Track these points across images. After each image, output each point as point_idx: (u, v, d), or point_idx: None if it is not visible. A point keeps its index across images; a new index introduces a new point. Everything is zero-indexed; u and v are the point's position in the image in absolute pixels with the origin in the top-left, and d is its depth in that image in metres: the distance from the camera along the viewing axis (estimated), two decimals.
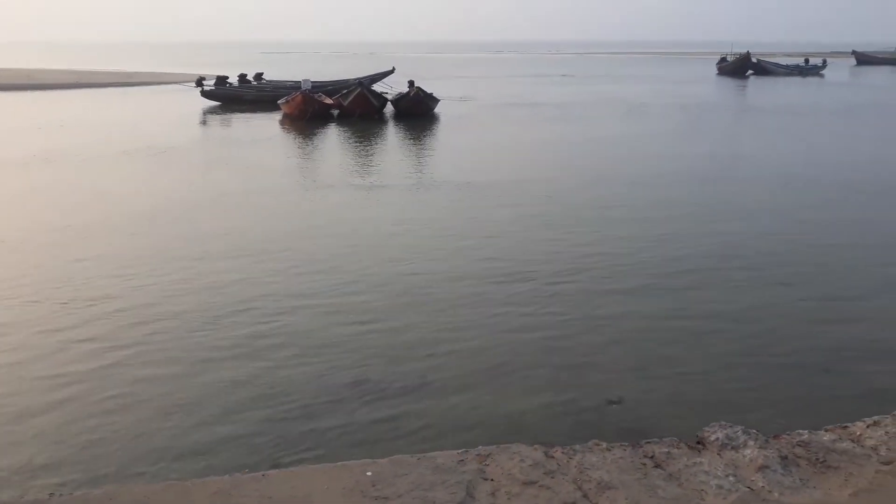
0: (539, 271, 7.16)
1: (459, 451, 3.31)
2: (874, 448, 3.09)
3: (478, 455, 3.24)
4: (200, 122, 21.18)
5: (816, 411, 4.33)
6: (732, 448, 3.07)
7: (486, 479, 3.05)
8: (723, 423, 3.24)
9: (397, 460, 3.27)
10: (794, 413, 4.35)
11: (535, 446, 3.29)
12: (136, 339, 5.59)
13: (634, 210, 9.84)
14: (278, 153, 15.24)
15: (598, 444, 3.25)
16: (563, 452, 3.23)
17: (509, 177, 12.17)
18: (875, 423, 3.26)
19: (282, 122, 20.48)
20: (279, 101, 22.19)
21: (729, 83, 40.40)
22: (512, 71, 54.66)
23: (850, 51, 73.80)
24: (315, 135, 18.08)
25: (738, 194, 10.91)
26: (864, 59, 67.86)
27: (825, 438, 3.16)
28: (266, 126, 19.84)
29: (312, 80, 25.35)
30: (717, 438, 3.12)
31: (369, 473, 3.14)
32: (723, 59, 51.87)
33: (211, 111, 23.63)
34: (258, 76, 27.46)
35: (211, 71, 30.53)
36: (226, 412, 4.52)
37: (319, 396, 4.71)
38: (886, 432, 3.19)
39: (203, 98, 25.30)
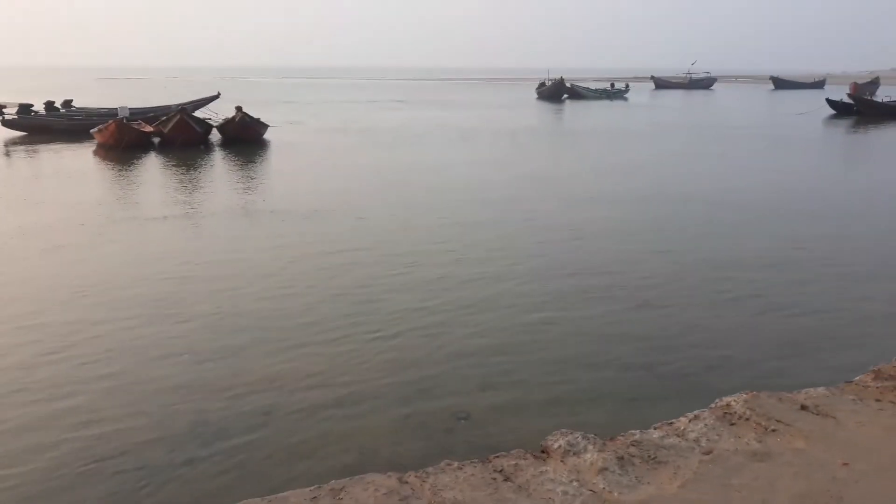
0: (368, 294, 7.20)
1: (311, 487, 3.22)
2: (696, 440, 3.39)
3: (331, 489, 3.17)
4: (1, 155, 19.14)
5: (647, 408, 4.69)
6: (574, 454, 3.23)
7: None
8: (564, 430, 3.40)
9: None
10: (628, 412, 4.69)
11: (389, 473, 3.27)
12: None
13: (460, 228, 10.21)
14: (85, 186, 14.01)
15: (449, 464, 3.29)
16: (416, 476, 3.24)
17: (334, 205, 11.92)
18: (696, 417, 3.57)
19: (96, 153, 19.04)
20: (92, 130, 20.66)
21: (548, 107, 42.97)
22: (345, 96, 54.63)
23: (650, 76, 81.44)
24: (131, 165, 16.94)
25: (561, 211, 11.58)
26: (661, 84, 75.33)
27: (654, 436, 3.41)
28: (77, 157, 18.35)
29: (131, 106, 23.87)
30: (560, 446, 3.27)
31: None
32: (541, 85, 55.05)
33: (14, 142, 21.48)
34: (67, 103, 25.41)
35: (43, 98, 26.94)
36: (49, 471, 4.08)
37: (155, 444, 4.39)
38: (706, 424, 3.50)
39: (5, 128, 22.97)
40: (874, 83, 61.37)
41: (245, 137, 21.17)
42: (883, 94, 38.14)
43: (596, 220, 10.99)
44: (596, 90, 54.24)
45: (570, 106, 44.40)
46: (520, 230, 10.24)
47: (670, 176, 15.76)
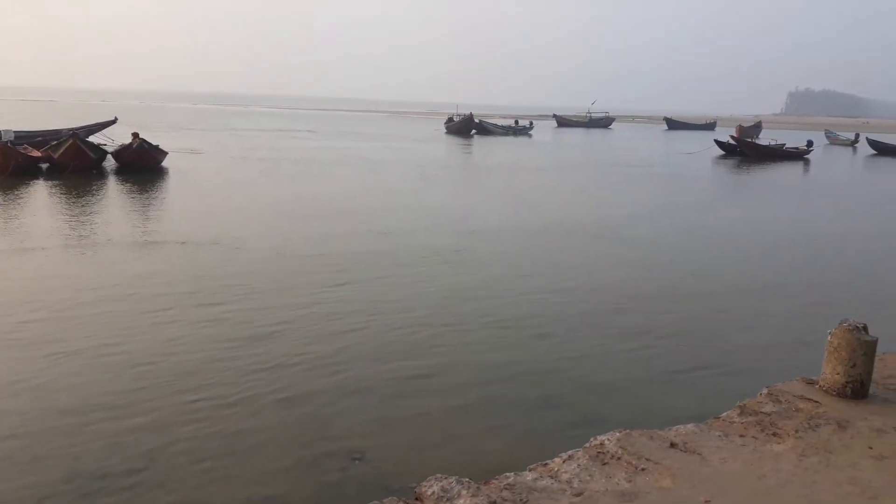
0: (257, 331, 7.04)
1: None
2: (569, 481, 3.44)
3: None
4: None
5: (538, 441, 4.83)
6: (447, 500, 3.21)
7: None
8: (438, 475, 3.39)
9: None
10: (519, 445, 4.82)
11: None
12: None
13: (351, 260, 10.21)
14: None
15: None
16: None
17: (230, 235, 11.67)
18: (570, 458, 3.63)
19: None
20: None
21: (456, 142, 43.65)
22: (256, 124, 53.73)
23: (552, 114, 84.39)
24: (15, 192, 15.99)
25: (457, 242, 11.69)
26: (563, 122, 78.32)
27: (528, 478, 3.44)
28: None
29: (18, 129, 22.58)
30: (434, 492, 3.25)
31: None
32: (450, 120, 55.91)
33: None
34: None
35: None
36: None
37: (26, 493, 4.08)
38: (579, 465, 3.56)
39: None
40: (757, 126, 66.10)
41: (142, 164, 20.42)
42: (769, 138, 41.26)
43: (491, 252, 11.26)
44: (503, 127, 55.74)
45: (478, 141, 45.29)
46: (419, 262, 10.28)
47: (565, 211, 16.32)
